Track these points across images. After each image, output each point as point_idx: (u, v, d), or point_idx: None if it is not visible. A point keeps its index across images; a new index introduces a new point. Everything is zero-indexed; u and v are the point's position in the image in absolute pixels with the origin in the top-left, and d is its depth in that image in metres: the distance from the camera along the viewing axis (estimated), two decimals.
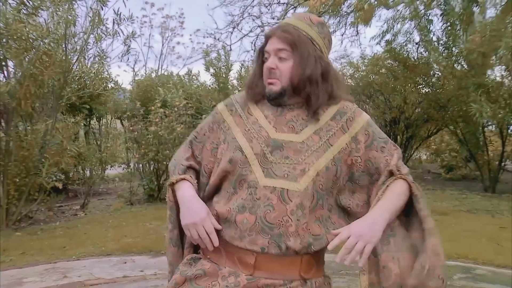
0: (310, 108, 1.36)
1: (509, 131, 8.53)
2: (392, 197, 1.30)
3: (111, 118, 9.82)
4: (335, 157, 1.33)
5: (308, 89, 1.34)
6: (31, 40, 5.44)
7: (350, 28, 11.81)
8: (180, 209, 1.38)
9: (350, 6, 11.28)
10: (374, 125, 1.42)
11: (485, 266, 4.08)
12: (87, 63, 6.67)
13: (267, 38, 1.39)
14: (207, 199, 1.43)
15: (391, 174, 1.35)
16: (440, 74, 9.32)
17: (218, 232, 1.33)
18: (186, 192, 1.38)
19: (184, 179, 1.40)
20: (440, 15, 9.54)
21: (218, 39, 11.31)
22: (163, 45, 14.64)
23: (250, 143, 1.35)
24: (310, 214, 1.30)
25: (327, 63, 1.38)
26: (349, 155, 1.35)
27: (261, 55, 1.42)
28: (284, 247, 1.26)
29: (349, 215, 1.39)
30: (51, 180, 5.98)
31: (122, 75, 33.13)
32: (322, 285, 1.36)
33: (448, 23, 9.12)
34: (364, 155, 1.37)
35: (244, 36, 11.34)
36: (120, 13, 5.72)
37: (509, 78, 7.94)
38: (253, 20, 11.19)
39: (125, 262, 4.16)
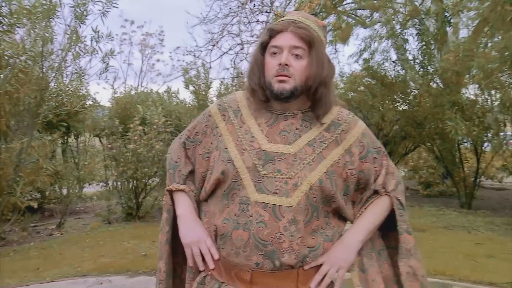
0: (316, 111, 1.34)
1: (483, 148, 8.70)
2: (371, 215, 1.36)
3: (89, 136, 9.69)
4: (329, 170, 1.30)
5: (321, 91, 1.32)
6: (6, 58, 5.37)
7: (328, 46, 11.97)
8: (179, 226, 1.41)
9: (328, 25, 11.47)
10: (369, 134, 1.44)
11: (462, 282, 4.12)
12: (65, 80, 6.60)
13: (277, 32, 1.32)
14: (202, 200, 1.44)
15: (376, 192, 1.38)
16: (416, 92, 9.50)
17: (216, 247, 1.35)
18: (185, 210, 1.41)
19: (183, 190, 1.41)
20: (416, 35, 9.78)
21: (198, 57, 11.27)
22: (142, 62, 14.64)
23: (241, 155, 1.31)
24: (306, 227, 1.28)
25: (334, 67, 1.37)
26: (343, 169, 1.33)
27: (262, 50, 1.36)
28: (278, 263, 1.26)
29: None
30: (25, 199, 5.84)
31: (102, 92, 32.97)
32: None
33: (423, 43, 9.34)
34: (358, 167, 1.36)
35: (223, 54, 11.32)
36: (98, 31, 5.69)
37: (482, 96, 8.14)
38: (233, 38, 11.24)
39: (101, 283, 4.08)
